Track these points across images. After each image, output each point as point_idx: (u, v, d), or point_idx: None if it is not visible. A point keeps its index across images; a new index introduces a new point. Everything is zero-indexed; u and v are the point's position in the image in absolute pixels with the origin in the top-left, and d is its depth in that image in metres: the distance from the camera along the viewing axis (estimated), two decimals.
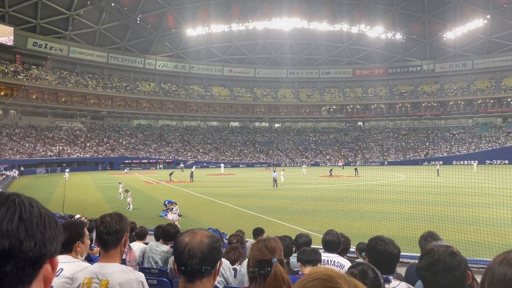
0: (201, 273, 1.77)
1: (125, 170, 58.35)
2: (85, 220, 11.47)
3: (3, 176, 41.41)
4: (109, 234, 2.52)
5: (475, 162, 52.16)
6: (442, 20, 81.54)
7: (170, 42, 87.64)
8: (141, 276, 2.47)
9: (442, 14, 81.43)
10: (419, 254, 4.24)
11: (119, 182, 29.40)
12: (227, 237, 9.98)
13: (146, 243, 6.20)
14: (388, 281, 2.77)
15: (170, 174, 43.50)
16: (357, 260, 6.21)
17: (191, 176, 41.13)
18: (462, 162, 65.95)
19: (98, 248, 4.34)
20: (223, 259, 4.48)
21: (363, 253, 6.54)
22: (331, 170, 47.60)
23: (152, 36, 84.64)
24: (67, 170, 48.85)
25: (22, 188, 35.93)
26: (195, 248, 1.76)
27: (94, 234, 8.91)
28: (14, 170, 49.39)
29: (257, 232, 6.88)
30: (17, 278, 0.87)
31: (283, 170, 40.50)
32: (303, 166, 57.86)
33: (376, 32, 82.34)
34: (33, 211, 0.94)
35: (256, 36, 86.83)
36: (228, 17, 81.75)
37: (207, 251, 1.76)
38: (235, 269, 4.74)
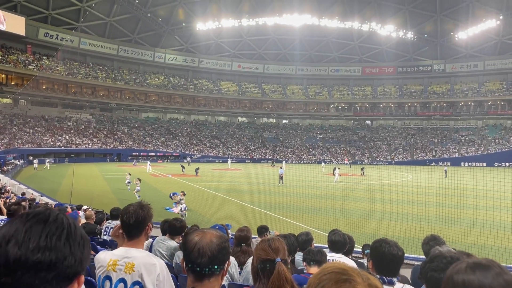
0: (210, 272, 1.80)
1: (133, 162, 58.74)
2: (92, 212, 11.60)
3: (12, 165, 41.89)
4: (133, 224, 2.65)
5: None
6: (454, 20, 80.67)
7: (180, 36, 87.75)
8: (163, 263, 2.57)
9: (454, 14, 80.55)
10: (424, 256, 4.25)
11: (128, 173, 29.67)
12: (231, 228, 10.01)
13: (153, 237, 6.26)
14: (392, 283, 2.80)
15: (184, 167, 44.45)
16: (360, 261, 6.25)
17: (196, 171, 41.69)
18: (470, 164, 65.40)
19: None
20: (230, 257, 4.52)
21: (366, 251, 6.56)
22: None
23: (162, 30, 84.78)
24: (149, 162, 50.05)
25: (31, 177, 36.29)
26: (205, 247, 1.80)
27: (104, 226, 9.02)
28: (37, 160, 49.25)
29: (262, 230, 6.92)
30: None
31: (339, 168, 38.47)
32: (322, 164, 58.44)
33: (387, 30, 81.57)
34: (77, 232, 1.11)
35: (266, 31, 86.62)
36: (238, 12, 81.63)
37: (217, 251, 1.81)
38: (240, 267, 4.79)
